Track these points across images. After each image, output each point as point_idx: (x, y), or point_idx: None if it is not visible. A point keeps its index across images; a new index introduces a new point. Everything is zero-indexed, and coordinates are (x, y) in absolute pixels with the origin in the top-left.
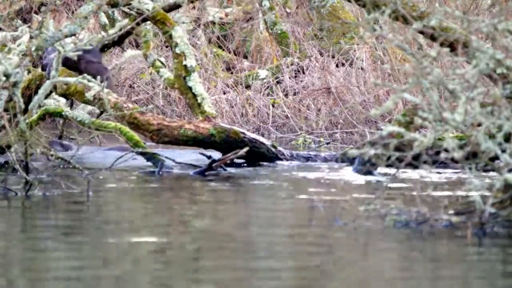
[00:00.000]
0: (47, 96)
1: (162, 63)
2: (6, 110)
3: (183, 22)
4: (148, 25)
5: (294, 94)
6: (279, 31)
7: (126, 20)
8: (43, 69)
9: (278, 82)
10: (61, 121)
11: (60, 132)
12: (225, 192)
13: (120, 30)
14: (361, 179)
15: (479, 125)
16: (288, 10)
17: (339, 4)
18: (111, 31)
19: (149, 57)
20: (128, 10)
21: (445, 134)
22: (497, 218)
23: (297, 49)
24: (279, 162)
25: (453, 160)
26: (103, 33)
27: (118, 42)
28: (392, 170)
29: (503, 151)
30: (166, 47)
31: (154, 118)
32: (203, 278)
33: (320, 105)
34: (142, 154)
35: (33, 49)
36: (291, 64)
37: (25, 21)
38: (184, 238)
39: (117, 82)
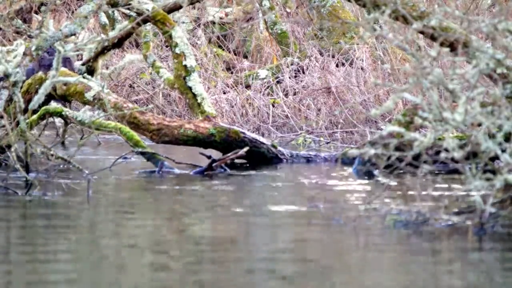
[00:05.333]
0: (47, 101)
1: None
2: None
3: (183, 22)
4: (148, 25)
5: (294, 94)
6: (279, 31)
7: (126, 22)
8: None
9: (278, 82)
10: (61, 130)
11: (61, 139)
12: (225, 192)
13: (120, 31)
14: (361, 179)
15: (479, 125)
16: (288, 10)
17: (339, 4)
18: (110, 33)
19: (149, 57)
20: (128, 11)
21: (445, 134)
22: (497, 218)
23: (297, 49)
24: (279, 162)
25: (453, 160)
26: (102, 35)
27: (118, 44)
28: (392, 170)
29: (503, 151)
30: (166, 47)
31: (154, 117)
32: (202, 281)
33: (320, 105)
34: (142, 154)
35: (33, 48)
36: (291, 64)
37: (25, 21)
38: (184, 238)
39: (117, 82)
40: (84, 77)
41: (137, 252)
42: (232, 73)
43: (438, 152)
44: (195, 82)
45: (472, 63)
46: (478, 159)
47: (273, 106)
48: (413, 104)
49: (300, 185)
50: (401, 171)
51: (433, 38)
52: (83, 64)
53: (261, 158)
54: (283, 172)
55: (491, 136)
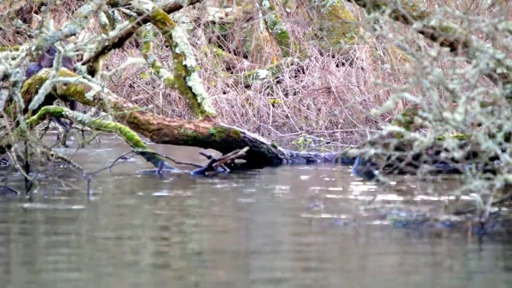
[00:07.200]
0: (48, 102)
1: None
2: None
3: (183, 22)
4: (148, 25)
5: (294, 94)
6: (279, 31)
7: (126, 22)
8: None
9: (278, 82)
10: (62, 134)
11: (62, 140)
12: (225, 192)
13: (120, 31)
14: (361, 179)
15: (479, 125)
16: (288, 10)
17: (339, 4)
18: (111, 33)
19: (149, 57)
20: (128, 11)
21: (445, 134)
22: (497, 218)
23: (297, 49)
24: (279, 162)
25: (453, 160)
26: (103, 35)
27: (118, 44)
28: (392, 170)
29: (503, 151)
30: (166, 47)
31: (154, 117)
32: (202, 281)
33: (320, 105)
34: (142, 154)
35: (33, 48)
36: (291, 64)
37: (25, 21)
38: (184, 238)
39: (117, 82)
40: (84, 77)
41: (137, 252)
42: (232, 73)
43: (438, 152)
44: (195, 82)
45: (472, 63)
46: (478, 159)
47: (273, 106)
48: (413, 104)
49: (300, 185)
50: (401, 171)
51: (433, 38)
52: (83, 64)
53: (261, 158)
54: (283, 172)
55: (491, 136)
